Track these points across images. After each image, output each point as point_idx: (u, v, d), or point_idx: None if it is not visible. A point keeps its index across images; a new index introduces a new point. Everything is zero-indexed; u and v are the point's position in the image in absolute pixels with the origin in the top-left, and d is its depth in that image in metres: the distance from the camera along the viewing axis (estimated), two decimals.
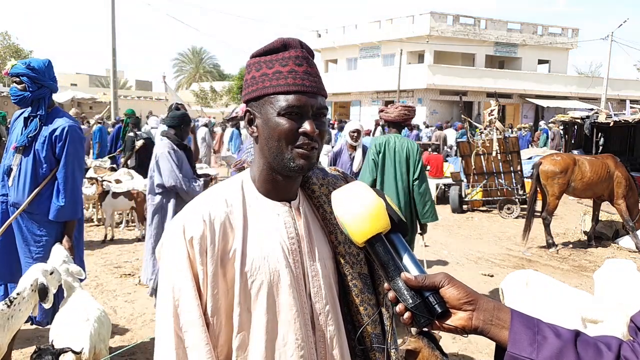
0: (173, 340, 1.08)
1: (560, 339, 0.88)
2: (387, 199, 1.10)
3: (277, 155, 1.14)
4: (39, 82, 3.17)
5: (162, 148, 4.31)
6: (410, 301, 0.94)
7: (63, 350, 2.53)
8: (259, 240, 1.15)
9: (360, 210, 1.01)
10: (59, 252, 3.06)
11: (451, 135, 17.16)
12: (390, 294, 0.97)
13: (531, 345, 0.87)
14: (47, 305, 2.79)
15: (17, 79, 3.17)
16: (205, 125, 14.68)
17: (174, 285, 1.10)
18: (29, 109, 3.28)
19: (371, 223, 1.01)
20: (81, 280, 3.30)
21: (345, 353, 1.25)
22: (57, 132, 3.20)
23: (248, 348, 1.13)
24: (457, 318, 0.93)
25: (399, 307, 0.95)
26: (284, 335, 1.14)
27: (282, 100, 1.12)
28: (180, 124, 4.43)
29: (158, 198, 4.36)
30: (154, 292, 4.53)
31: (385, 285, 1.00)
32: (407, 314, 0.94)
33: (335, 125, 18.04)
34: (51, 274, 2.87)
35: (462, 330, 0.93)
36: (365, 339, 1.26)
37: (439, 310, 0.93)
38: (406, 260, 1.02)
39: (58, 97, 19.01)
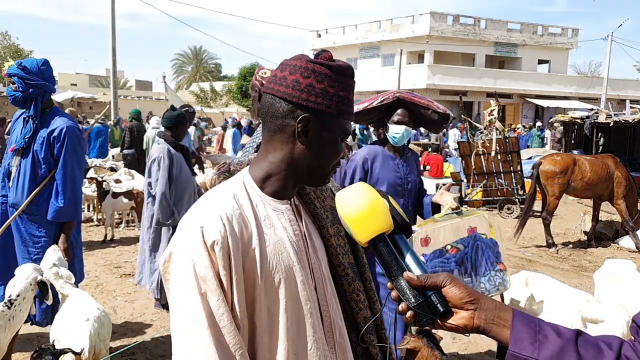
0: (215, 352, 1.02)
1: (561, 338, 0.89)
2: (390, 200, 1.12)
3: (317, 170, 1.20)
4: (29, 82, 3.15)
5: (157, 152, 4.25)
6: (413, 300, 0.95)
7: (63, 351, 2.53)
8: (271, 239, 1.15)
9: (364, 211, 1.03)
10: (52, 255, 3.03)
11: (452, 135, 17.14)
12: (393, 293, 0.99)
13: (532, 345, 0.88)
14: (49, 301, 2.79)
15: (11, 79, 3.17)
16: (194, 125, 14.12)
17: (201, 295, 1.04)
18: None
19: (375, 223, 1.02)
20: (80, 280, 3.30)
21: (346, 340, 1.30)
22: (55, 133, 3.18)
23: (270, 347, 1.13)
24: (459, 317, 0.94)
25: (401, 306, 0.96)
26: (302, 330, 1.16)
27: (346, 127, 1.21)
28: (176, 125, 4.40)
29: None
30: (157, 292, 4.47)
31: (388, 284, 1.01)
32: (409, 313, 0.95)
33: None
34: (41, 273, 2.87)
35: (464, 329, 0.94)
36: (359, 324, 1.35)
37: (441, 310, 0.94)
38: (409, 260, 1.03)
39: (58, 97, 19.03)
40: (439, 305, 0.94)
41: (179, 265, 1.07)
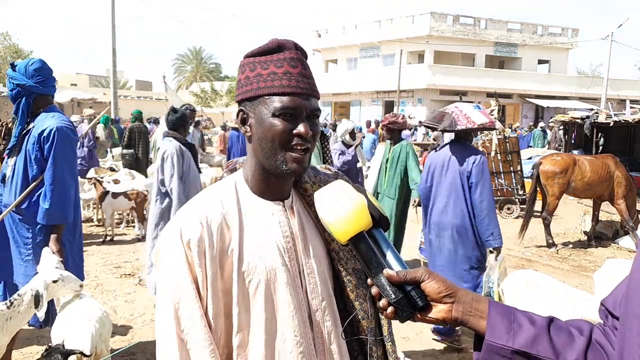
0: (176, 344, 1.08)
1: (534, 325, 0.92)
2: (367, 195, 1.11)
3: (270, 156, 1.14)
4: (15, 82, 3.14)
5: (170, 149, 4.34)
6: (393, 296, 0.97)
7: (73, 352, 2.52)
8: (254, 240, 1.16)
9: (342, 211, 1.03)
10: (49, 258, 2.98)
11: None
12: (374, 290, 1.00)
13: (508, 334, 0.91)
14: (40, 314, 2.74)
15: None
16: (196, 123, 13.76)
17: (174, 289, 1.09)
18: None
19: (353, 222, 1.02)
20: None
21: (343, 348, 1.26)
22: (45, 134, 3.12)
23: (248, 347, 1.14)
24: (438, 310, 0.97)
25: (382, 302, 0.98)
26: (283, 333, 1.15)
27: (277, 102, 1.12)
28: (181, 125, 4.55)
29: (167, 200, 4.38)
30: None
31: (369, 280, 1.03)
32: (390, 309, 0.97)
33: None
34: (55, 282, 2.81)
35: (443, 322, 0.97)
36: (361, 334, 1.28)
37: (420, 304, 0.96)
38: (389, 255, 1.04)
39: (58, 97, 19.01)
40: (418, 300, 0.96)
41: (161, 262, 1.14)
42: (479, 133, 10.30)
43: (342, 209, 1.03)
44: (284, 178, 1.20)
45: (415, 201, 5.36)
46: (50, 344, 2.58)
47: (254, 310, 1.13)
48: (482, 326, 0.94)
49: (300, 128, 1.12)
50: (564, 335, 0.91)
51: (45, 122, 3.17)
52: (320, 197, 1.08)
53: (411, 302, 0.97)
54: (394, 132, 5.58)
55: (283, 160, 1.13)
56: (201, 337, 1.08)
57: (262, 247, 1.16)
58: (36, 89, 3.18)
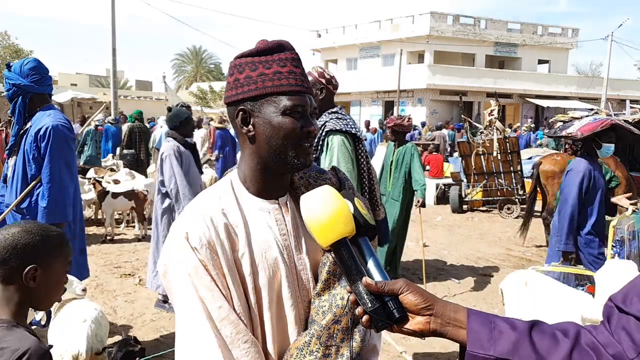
0: (217, 345, 1.07)
1: (515, 331, 0.92)
2: (356, 201, 1.11)
3: (280, 154, 1.16)
4: (10, 82, 3.15)
5: (168, 150, 4.37)
6: (369, 305, 0.97)
7: (133, 351, 2.53)
8: (257, 240, 1.18)
9: (323, 216, 1.03)
10: None
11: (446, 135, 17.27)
12: (352, 297, 1.01)
13: (489, 342, 0.91)
14: (38, 316, 2.74)
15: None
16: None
17: (197, 294, 1.09)
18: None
19: (334, 229, 1.03)
20: (83, 278, 3.28)
21: None
22: (41, 132, 3.12)
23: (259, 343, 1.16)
24: (415, 322, 0.97)
25: (358, 310, 0.99)
26: (284, 329, 1.19)
27: (287, 100, 1.14)
28: (182, 124, 4.53)
29: (167, 201, 4.38)
30: (162, 297, 4.56)
31: (347, 287, 1.04)
32: (365, 317, 0.98)
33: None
34: None
35: (421, 334, 0.97)
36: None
37: (397, 316, 0.97)
38: (371, 264, 1.05)
39: (58, 97, 18.99)
40: (394, 311, 0.97)
41: (173, 272, 1.12)
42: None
43: (323, 214, 1.03)
44: (284, 175, 1.23)
45: (418, 201, 5.34)
46: (122, 336, 2.60)
47: (263, 308, 1.16)
48: (462, 336, 0.94)
49: (310, 125, 1.17)
50: (547, 338, 0.91)
51: (42, 120, 3.17)
52: (305, 201, 1.09)
53: (388, 313, 0.97)
54: (398, 134, 5.58)
55: (294, 156, 1.17)
56: (235, 331, 1.09)
57: (264, 246, 1.18)
58: (32, 88, 3.18)
